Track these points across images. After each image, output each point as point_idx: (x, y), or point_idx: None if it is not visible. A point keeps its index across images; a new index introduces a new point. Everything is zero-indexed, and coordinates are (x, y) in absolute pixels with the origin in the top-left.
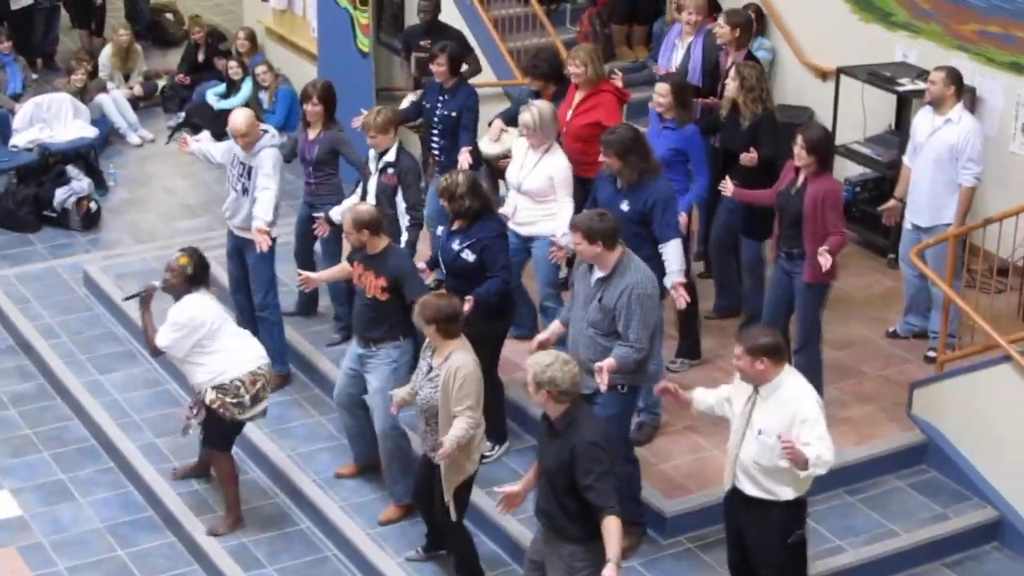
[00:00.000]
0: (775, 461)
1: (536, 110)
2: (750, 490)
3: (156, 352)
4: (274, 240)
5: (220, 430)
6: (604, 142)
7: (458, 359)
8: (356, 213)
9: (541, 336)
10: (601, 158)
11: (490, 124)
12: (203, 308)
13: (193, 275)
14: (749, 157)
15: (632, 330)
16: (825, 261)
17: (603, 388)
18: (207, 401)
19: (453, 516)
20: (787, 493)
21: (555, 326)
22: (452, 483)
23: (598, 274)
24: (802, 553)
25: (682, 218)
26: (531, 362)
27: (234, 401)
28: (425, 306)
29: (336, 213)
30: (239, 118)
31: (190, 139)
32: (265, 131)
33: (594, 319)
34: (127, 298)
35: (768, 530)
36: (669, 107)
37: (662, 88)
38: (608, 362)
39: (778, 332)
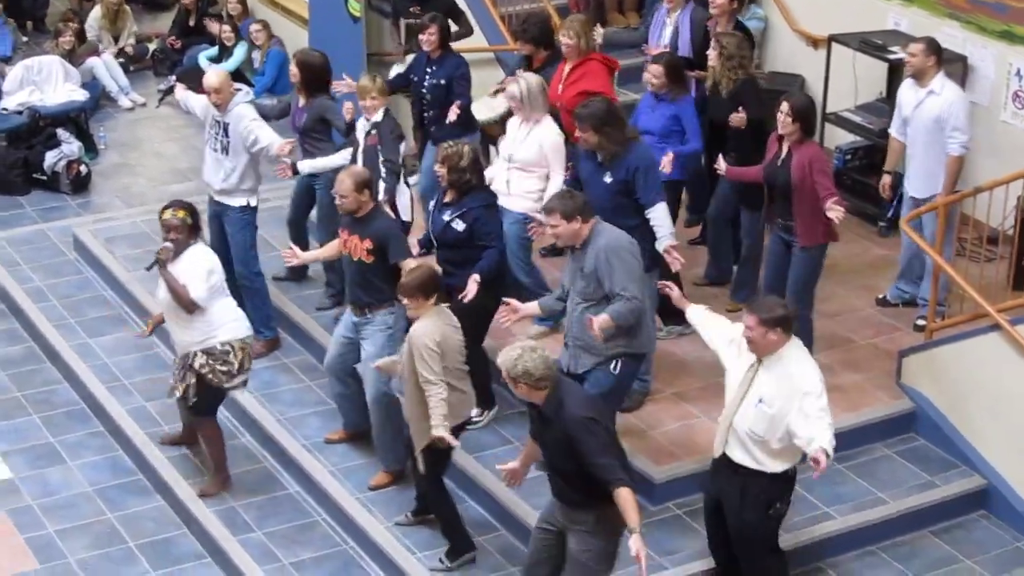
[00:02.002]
0: (771, 432)
1: (524, 82)
2: (739, 457)
3: (193, 307)
4: (254, 208)
5: (206, 397)
6: (578, 116)
7: (417, 327)
8: (357, 174)
9: (516, 304)
10: (577, 133)
11: (493, 91)
12: (212, 253)
13: (193, 223)
14: (739, 118)
15: (617, 282)
16: (837, 212)
17: (599, 337)
18: (196, 366)
19: (421, 469)
20: (776, 466)
21: (532, 306)
22: (420, 442)
23: (577, 246)
24: (776, 526)
25: (667, 157)
26: (500, 361)
27: (223, 369)
28: (405, 285)
29: (304, 165)
30: (213, 75)
31: (179, 89)
32: (239, 90)
33: (581, 289)
34: (148, 268)
35: (748, 500)
36: (663, 86)
37: (655, 70)
38: (602, 317)
39: (786, 303)
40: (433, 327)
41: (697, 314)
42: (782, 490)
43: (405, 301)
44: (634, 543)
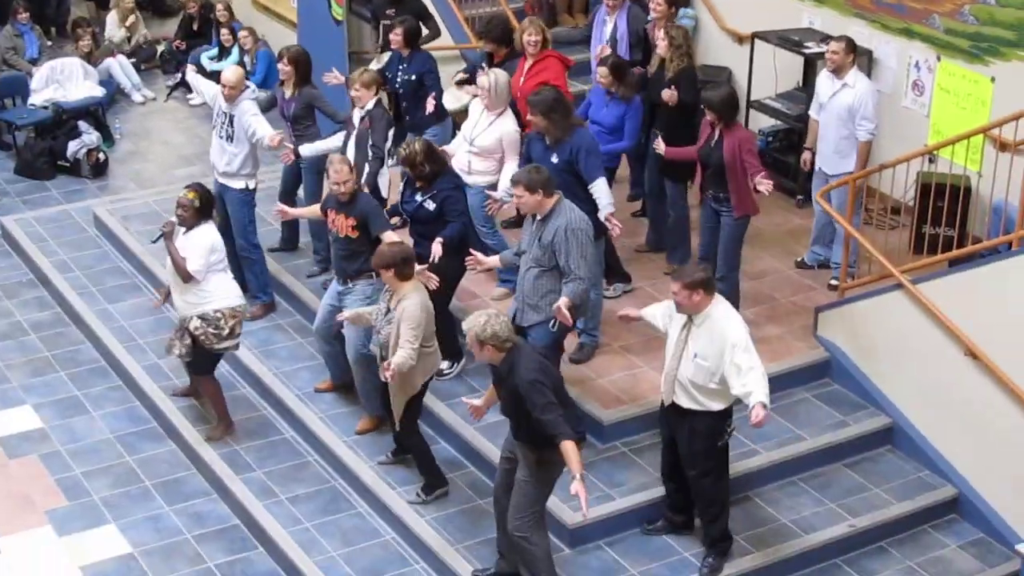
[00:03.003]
0: (709, 382)
1: (494, 76)
2: (685, 403)
3: (189, 278)
4: (253, 190)
5: (203, 358)
6: (530, 103)
7: (408, 302)
8: (348, 160)
9: (482, 257)
10: (528, 117)
11: (455, 81)
12: (216, 235)
13: (201, 207)
14: (669, 94)
15: (572, 261)
16: (767, 185)
17: (568, 323)
18: (191, 328)
19: (397, 427)
20: (716, 405)
21: (494, 259)
22: (399, 403)
23: (539, 217)
24: (725, 457)
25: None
26: (468, 326)
27: (214, 332)
28: (379, 256)
29: (305, 149)
30: (230, 72)
31: (191, 73)
32: (247, 87)
33: (536, 256)
34: (154, 241)
35: (698, 436)
36: (611, 84)
37: (602, 71)
38: (563, 300)
39: (709, 268)
40: (423, 301)
41: (646, 314)
42: (724, 425)
43: (379, 270)
44: (575, 485)
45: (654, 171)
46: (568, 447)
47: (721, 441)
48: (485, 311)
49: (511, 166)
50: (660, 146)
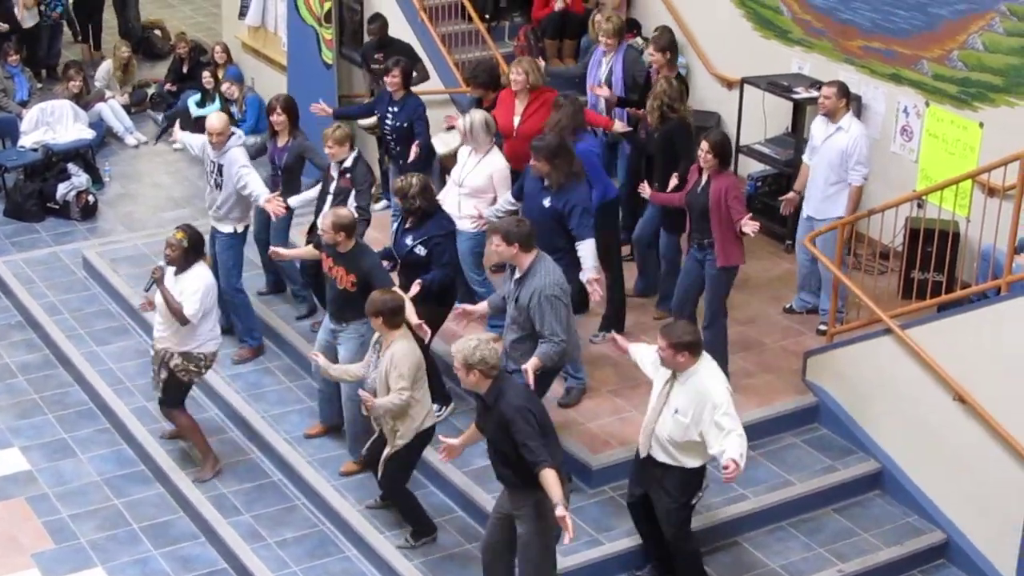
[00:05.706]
0: (687, 437)
1: (469, 119)
2: (661, 457)
3: (186, 321)
4: (241, 234)
5: (176, 391)
6: (534, 148)
7: (397, 348)
8: (337, 216)
9: (468, 307)
10: (532, 163)
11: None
12: (210, 276)
13: (190, 247)
14: (673, 194)
15: (546, 326)
16: (752, 227)
17: (532, 386)
18: (172, 365)
19: (378, 477)
20: (691, 462)
21: (482, 306)
22: (387, 448)
23: (516, 275)
24: (691, 512)
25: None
26: (457, 349)
27: (195, 369)
28: (371, 302)
29: (294, 201)
30: (215, 119)
31: (177, 130)
32: (232, 133)
33: (513, 315)
34: (147, 289)
35: (671, 492)
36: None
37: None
38: (532, 362)
39: (697, 331)
40: (412, 349)
41: (634, 351)
42: (699, 482)
43: (369, 316)
44: (558, 511)
45: (646, 221)
46: (549, 475)
47: (695, 499)
48: (476, 335)
49: (502, 200)
50: (645, 190)
